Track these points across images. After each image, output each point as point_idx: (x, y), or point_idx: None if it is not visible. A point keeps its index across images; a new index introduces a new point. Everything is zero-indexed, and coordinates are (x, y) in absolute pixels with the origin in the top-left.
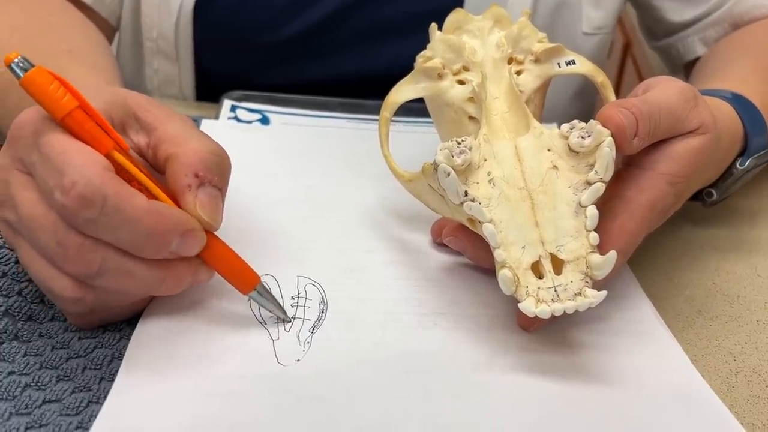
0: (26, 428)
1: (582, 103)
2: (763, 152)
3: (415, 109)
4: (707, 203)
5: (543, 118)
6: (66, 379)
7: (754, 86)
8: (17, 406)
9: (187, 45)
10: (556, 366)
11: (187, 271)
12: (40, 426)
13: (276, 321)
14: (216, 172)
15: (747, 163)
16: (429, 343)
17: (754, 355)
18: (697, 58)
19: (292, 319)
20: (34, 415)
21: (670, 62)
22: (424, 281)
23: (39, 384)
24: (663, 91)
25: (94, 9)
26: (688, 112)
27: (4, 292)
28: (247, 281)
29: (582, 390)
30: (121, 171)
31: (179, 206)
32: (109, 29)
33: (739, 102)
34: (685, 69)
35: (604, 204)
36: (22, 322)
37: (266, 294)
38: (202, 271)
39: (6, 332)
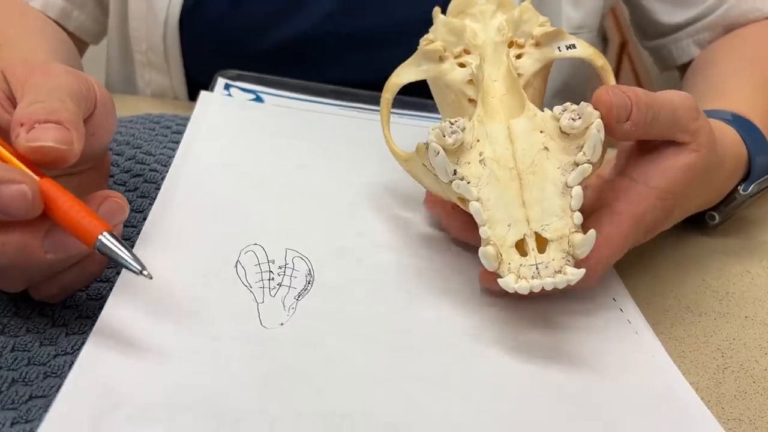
0: (12, 423)
1: (563, 102)
2: (765, 177)
3: (410, 102)
4: (710, 225)
5: (543, 103)
6: (53, 375)
7: (755, 103)
8: (3, 401)
9: (177, 56)
10: (538, 345)
11: (41, 228)
12: (26, 421)
13: (252, 288)
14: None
15: (750, 189)
16: (415, 322)
17: (742, 351)
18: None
19: (146, 273)
20: (21, 410)
21: (661, 62)
22: (413, 259)
23: (26, 380)
24: (668, 93)
25: (60, 23)
26: (689, 120)
27: None
28: (88, 233)
29: (559, 373)
30: None
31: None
32: (79, 42)
33: (740, 123)
34: (679, 70)
35: (592, 212)
36: (8, 318)
37: (114, 244)
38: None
39: None
